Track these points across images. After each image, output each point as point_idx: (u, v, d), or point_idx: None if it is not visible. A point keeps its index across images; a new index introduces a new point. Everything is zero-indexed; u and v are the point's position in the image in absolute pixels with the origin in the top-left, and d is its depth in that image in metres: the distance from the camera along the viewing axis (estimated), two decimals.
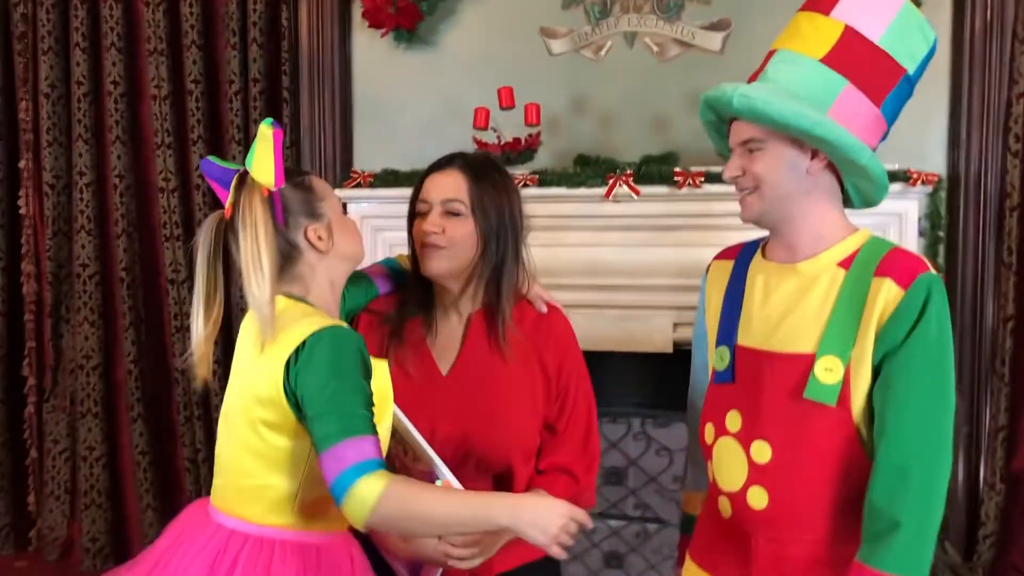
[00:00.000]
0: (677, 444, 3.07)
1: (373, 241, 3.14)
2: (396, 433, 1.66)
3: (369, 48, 3.45)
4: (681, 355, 2.93)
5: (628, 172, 2.89)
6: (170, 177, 3.71)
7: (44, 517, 3.95)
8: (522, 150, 3.02)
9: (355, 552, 1.59)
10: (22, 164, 3.86)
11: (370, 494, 1.35)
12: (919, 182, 2.76)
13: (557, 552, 1.39)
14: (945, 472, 1.42)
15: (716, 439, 1.57)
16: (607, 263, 2.93)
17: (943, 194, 2.96)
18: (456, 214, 1.68)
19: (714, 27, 3.15)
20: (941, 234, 2.96)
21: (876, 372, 1.45)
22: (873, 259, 1.47)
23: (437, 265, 1.69)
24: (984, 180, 2.96)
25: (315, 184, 1.64)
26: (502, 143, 3.03)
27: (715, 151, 1.77)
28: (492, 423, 1.68)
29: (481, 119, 3.05)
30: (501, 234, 1.69)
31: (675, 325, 2.93)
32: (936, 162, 3.01)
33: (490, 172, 1.73)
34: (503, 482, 1.72)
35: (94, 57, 3.76)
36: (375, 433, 1.41)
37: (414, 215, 1.74)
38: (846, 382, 1.45)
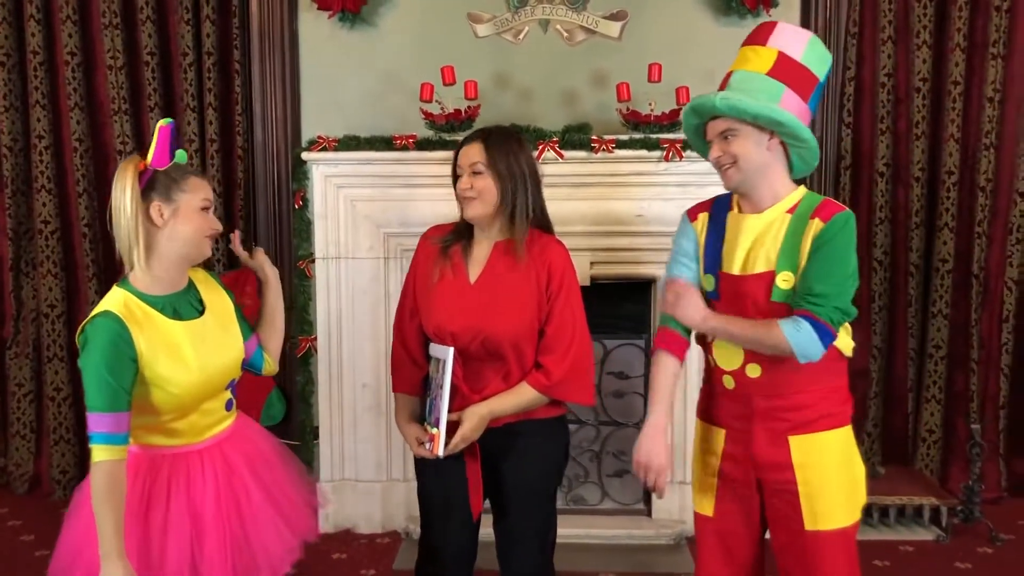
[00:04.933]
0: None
1: (336, 197, 3.63)
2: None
3: (315, 26, 3.84)
4: (596, 287, 3.60)
5: (554, 139, 3.50)
6: (127, 141, 4.02)
7: (10, 455, 4.22)
8: (463, 120, 3.56)
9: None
10: None
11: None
12: None
13: None
14: (847, 312, 2.04)
15: (714, 338, 2.17)
16: None
17: None
18: (478, 173, 2.25)
19: (614, 17, 3.78)
20: None
21: None
22: (810, 207, 2.09)
23: (472, 211, 2.27)
24: (824, 145, 3.74)
25: (188, 180, 1.97)
26: (446, 113, 3.57)
27: (695, 151, 2.31)
28: (494, 318, 2.24)
29: (427, 93, 3.57)
30: (513, 183, 2.25)
31: (591, 263, 3.60)
32: None
33: (501, 140, 2.28)
34: (500, 366, 2.27)
35: (48, 28, 4.00)
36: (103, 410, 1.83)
37: (456, 178, 2.30)
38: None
